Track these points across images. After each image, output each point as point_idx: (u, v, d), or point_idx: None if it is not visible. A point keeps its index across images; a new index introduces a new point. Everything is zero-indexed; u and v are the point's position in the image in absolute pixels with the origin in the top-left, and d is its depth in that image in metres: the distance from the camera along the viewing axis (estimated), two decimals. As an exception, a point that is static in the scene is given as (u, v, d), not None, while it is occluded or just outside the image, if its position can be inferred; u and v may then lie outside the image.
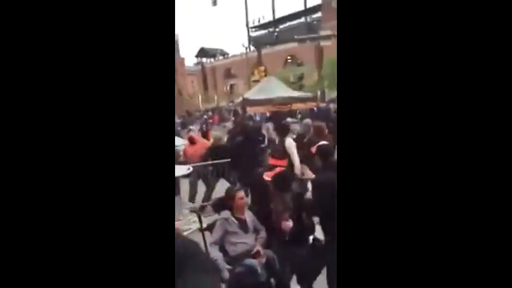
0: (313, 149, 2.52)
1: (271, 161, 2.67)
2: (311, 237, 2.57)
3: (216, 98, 33.05)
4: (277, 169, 2.97)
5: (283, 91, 10.53)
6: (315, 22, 37.82)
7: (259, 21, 43.28)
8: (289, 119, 8.67)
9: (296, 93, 11.01)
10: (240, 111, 10.28)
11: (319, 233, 2.53)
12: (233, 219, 2.60)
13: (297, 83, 28.34)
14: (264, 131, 5.94)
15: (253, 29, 44.22)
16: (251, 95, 10.34)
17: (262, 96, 10.01)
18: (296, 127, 7.18)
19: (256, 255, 2.49)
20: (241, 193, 2.65)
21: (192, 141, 6.05)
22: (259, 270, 2.37)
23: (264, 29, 43.37)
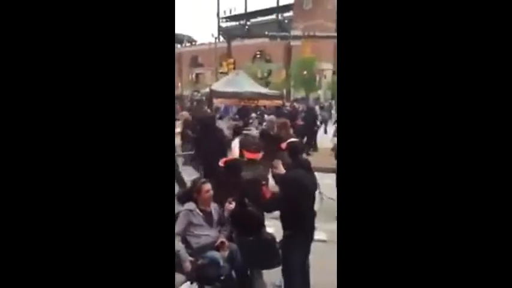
0: (284, 145, 2.58)
1: (247, 155, 2.69)
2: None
3: (180, 85, 32.18)
4: (230, 156, 3.04)
5: (251, 86, 10.57)
6: (286, 21, 38.29)
7: (230, 12, 42.75)
8: (253, 115, 8.73)
9: (264, 90, 11.11)
10: (205, 101, 10.12)
11: (278, 227, 2.59)
12: (198, 211, 2.59)
13: (264, 79, 28.61)
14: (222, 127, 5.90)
15: (224, 20, 43.60)
16: (219, 86, 10.23)
17: (229, 89, 9.95)
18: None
19: (220, 247, 2.51)
20: (207, 185, 2.64)
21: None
22: (222, 263, 2.39)
23: (235, 20, 42.95)
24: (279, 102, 10.75)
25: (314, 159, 6.04)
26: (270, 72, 30.06)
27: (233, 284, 2.41)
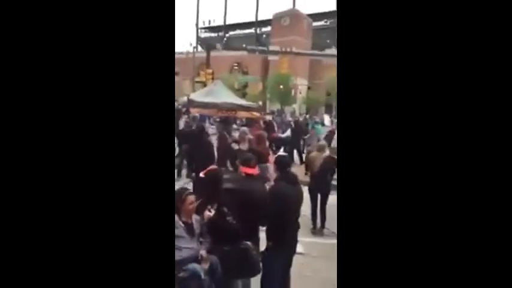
0: (271, 159, 2.63)
1: (243, 170, 2.70)
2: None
3: (155, 93, 31.52)
4: (211, 167, 3.06)
5: (230, 97, 10.60)
6: (264, 36, 39.08)
7: (209, 23, 43.04)
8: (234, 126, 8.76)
9: (242, 102, 11.18)
10: (181, 110, 10.01)
11: (262, 239, 2.61)
12: (180, 223, 2.55)
13: (241, 91, 28.82)
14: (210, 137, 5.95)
15: (203, 30, 43.73)
16: (197, 96, 10.17)
17: (208, 100, 9.92)
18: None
19: (201, 260, 2.47)
20: (191, 197, 2.62)
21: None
22: (203, 276, 2.36)
23: (214, 32, 43.23)
24: (256, 114, 10.85)
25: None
26: (246, 84, 30.36)
27: (214, 297, 2.38)
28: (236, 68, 36.20)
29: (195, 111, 10.01)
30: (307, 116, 20.75)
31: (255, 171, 2.66)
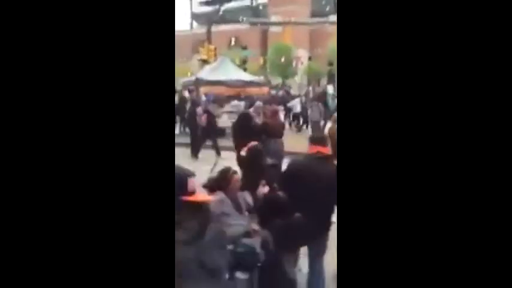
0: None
1: (312, 148, 2.73)
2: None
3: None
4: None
5: (237, 74, 10.48)
6: (260, 7, 37.75)
7: (204, -3, 41.50)
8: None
9: (251, 77, 11.04)
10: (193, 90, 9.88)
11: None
12: (228, 201, 2.63)
13: (241, 66, 28.24)
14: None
15: (198, 5, 42.26)
16: (204, 75, 10.05)
17: (215, 77, 9.81)
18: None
19: (253, 234, 2.57)
20: (237, 176, 2.68)
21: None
22: (258, 250, 2.46)
23: (209, 5, 41.78)
24: (266, 89, 10.76)
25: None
26: (246, 59, 29.85)
27: (267, 271, 2.50)
28: (234, 43, 35.36)
29: (204, 91, 9.92)
30: (310, 88, 20.54)
31: (325, 149, 2.64)
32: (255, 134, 4.75)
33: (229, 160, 5.72)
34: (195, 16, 39.21)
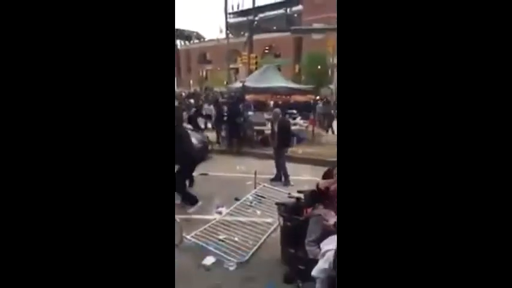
0: None
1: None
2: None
3: (191, 82, 31.95)
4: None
5: (282, 81, 10.35)
6: (295, 15, 37.85)
7: (238, 7, 42.38)
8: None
9: (295, 85, 10.88)
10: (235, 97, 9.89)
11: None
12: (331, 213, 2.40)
13: (276, 74, 28.31)
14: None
15: (231, 15, 43.17)
16: (250, 82, 10.00)
17: (260, 85, 9.73)
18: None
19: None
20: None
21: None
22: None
23: (243, 16, 42.54)
24: (311, 96, 10.52)
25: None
26: (279, 67, 29.89)
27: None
28: (267, 51, 35.57)
29: (250, 98, 9.89)
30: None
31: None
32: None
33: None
34: (230, 26, 40.09)
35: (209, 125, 10.64)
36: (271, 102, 10.61)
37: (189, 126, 7.68)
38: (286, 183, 5.64)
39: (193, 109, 10.45)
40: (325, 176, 2.60)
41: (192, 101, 12.79)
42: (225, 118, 8.80)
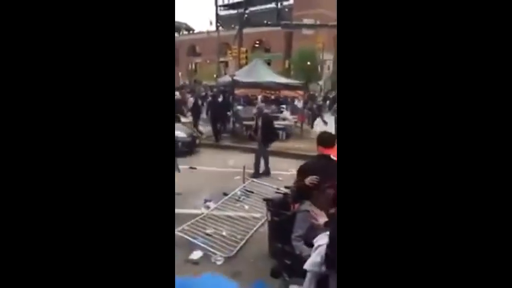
0: None
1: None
2: None
3: (180, 75, 31.53)
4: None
5: (271, 76, 10.34)
6: (286, 9, 37.69)
7: (228, 0, 41.88)
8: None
9: (286, 80, 10.87)
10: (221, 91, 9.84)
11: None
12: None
13: (265, 69, 28.23)
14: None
15: (221, 8, 42.69)
16: (239, 76, 9.94)
17: (250, 79, 9.69)
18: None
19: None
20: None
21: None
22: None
23: (233, 9, 42.10)
24: (300, 92, 10.54)
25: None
26: (269, 62, 29.74)
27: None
28: (257, 46, 35.37)
29: (239, 92, 9.86)
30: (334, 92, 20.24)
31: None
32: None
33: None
34: (220, 19, 39.60)
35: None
36: (259, 97, 10.62)
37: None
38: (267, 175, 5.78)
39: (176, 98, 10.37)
40: (300, 173, 2.62)
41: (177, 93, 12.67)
42: (208, 112, 8.87)
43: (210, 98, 9.78)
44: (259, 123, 5.95)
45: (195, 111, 9.44)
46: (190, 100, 10.85)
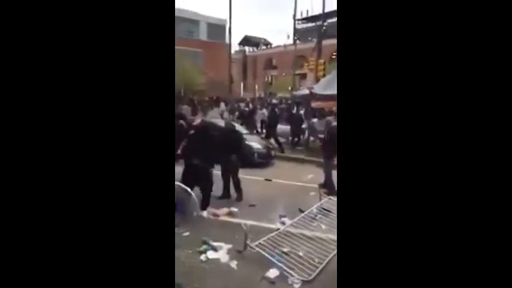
0: None
1: None
2: None
3: (256, 87, 32.64)
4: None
5: (351, 88, 9.86)
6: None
7: (307, 13, 42.15)
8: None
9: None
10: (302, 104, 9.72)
11: None
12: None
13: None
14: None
15: (299, 22, 43.16)
16: (317, 89, 9.72)
17: (328, 92, 9.38)
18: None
19: None
20: None
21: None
22: None
23: (311, 21, 42.19)
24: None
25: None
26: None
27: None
28: (334, 57, 34.60)
29: (316, 105, 9.63)
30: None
31: None
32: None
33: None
34: (297, 32, 40.06)
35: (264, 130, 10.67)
36: (334, 109, 10.21)
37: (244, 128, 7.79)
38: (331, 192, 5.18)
39: (247, 110, 10.57)
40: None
41: (248, 106, 12.87)
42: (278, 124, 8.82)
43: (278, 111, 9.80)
44: (327, 137, 5.60)
45: (271, 123, 9.50)
46: (260, 112, 11.01)
